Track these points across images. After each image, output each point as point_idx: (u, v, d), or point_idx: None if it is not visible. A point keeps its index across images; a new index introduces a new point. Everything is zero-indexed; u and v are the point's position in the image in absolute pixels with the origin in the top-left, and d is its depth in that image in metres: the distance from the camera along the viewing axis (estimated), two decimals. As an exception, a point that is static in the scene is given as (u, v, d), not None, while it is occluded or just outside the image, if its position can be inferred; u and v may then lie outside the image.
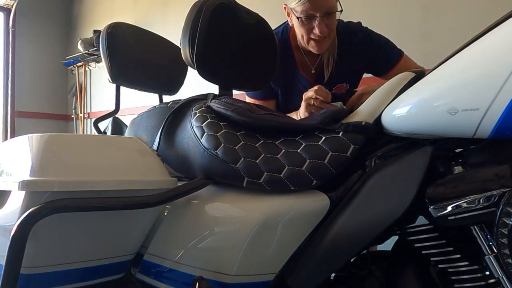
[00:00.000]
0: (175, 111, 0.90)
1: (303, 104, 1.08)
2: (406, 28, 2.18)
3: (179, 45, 0.94)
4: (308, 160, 0.70)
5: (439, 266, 0.66)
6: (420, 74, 0.72)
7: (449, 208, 0.60)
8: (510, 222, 0.55)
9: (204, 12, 0.89)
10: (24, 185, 0.63)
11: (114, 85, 1.36)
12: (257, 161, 0.72)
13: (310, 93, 1.04)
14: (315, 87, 1.05)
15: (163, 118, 0.91)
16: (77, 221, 0.69)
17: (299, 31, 1.27)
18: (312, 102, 1.04)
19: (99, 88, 4.07)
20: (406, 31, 2.18)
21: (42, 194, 0.64)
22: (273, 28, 1.25)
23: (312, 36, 1.25)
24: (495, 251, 0.58)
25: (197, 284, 0.68)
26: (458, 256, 0.64)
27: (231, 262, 0.71)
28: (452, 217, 0.60)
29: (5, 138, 3.97)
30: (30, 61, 4.24)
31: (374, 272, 0.77)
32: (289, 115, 1.25)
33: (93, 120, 1.40)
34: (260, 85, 1.08)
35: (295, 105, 1.24)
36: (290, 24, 1.33)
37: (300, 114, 1.11)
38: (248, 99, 1.40)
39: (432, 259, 0.67)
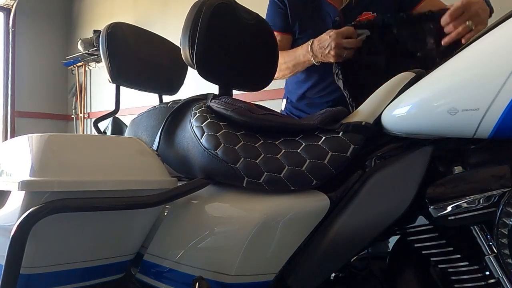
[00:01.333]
0: (175, 111, 0.90)
1: (333, 48, 1.10)
2: (406, 28, 2.17)
3: (179, 45, 0.94)
4: (308, 160, 0.70)
5: (439, 266, 0.66)
6: (420, 74, 0.72)
7: (449, 208, 0.60)
8: (510, 222, 0.55)
9: (204, 12, 0.89)
10: (24, 185, 0.63)
11: (114, 85, 1.36)
12: (257, 161, 0.72)
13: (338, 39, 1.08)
14: (339, 31, 1.08)
15: (163, 118, 0.91)
16: (77, 221, 0.69)
17: None
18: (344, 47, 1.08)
19: (99, 88, 4.07)
20: (406, 31, 2.17)
21: (42, 194, 0.64)
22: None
23: None
24: (495, 251, 0.58)
25: (197, 284, 0.68)
26: (458, 256, 0.64)
27: (231, 262, 0.71)
28: (452, 217, 0.60)
29: (5, 138, 3.98)
30: (30, 61, 4.24)
31: (374, 272, 0.78)
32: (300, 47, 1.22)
33: (93, 120, 1.40)
34: (261, 85, 1.08)
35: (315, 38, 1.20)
36: None
37: (324, 55, 1.14)
38: None
39: (432, 259, 0.67)
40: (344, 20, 1.26)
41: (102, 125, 1.40)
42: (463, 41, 0.92)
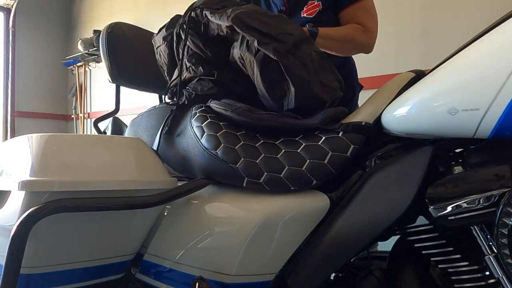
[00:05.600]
0: (175, 111, 0.90)
1: None
2: (406, 28, 2.18)
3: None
4: (308, 160, 0.70)
5: (439, 266, 0.66)
6: (420, 74, 0.73)
7: (449, 208, 0.60)
8: (510, 222, 0.55)
9: None
10: (24, 185, 0.63)
11: (114, 85, 1.36)
12: (257, 161, 0.72)
13: None
14: None
15: (163, 118, 0.91)
16: (77, 221, 0.69)
17: None
18: None
19: (99, 88, 4.07)
20: (406, 31, 2.18)
21: (42, 194, 0.64)
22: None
23: None
24: (495, 251, 0.58)
25: (197, 284, 0.68)
26: (458, 256, 0.64)
27: (231, 262, 0.71)
28: (452, 217, 0.60)
29: (5, 138, 3.97)
30: (30, 61, 4.24)
31: (374, 272, 0.77)
32: None
33: (93, 120, 1.40)
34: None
35: None
36: None
37: None
38: None
39: (432, 259, 0.67)
40: (289, 10, 1.21)
41: (102, 125, 1.40)
42: None
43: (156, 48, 1.02)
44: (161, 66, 1.04)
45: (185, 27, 0.88)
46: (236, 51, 0.84)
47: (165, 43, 0.97)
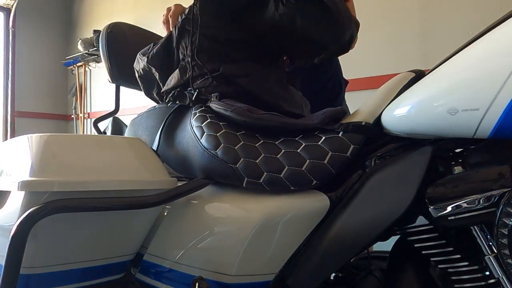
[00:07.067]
0: (175, 111, 0.90)
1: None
2: (406, 28, 2.18)
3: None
4: (308, 160, 0.70)
5: (439, 266, 0.66)
6: (420, 74, 0.72)
7: (449, 208, 0.60)
8: (510, 223, 0.55)
9: None
10: (23, 185, 0.63)
11: (114, 85, 1.36)
12: (257, 161, 0.72)
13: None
14: None
15: (163, 118, 0.91)
16: (77, 221, 0.69)
17: None
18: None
19: (99, 88, 4.07)
20: (406, 31, 2.18)
21: (42, 194, 0.64)
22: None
23: None
24: (495, 251, 0.58)
25: (197, 284, 0.68)
26: (458, 256, 0.64)
27: (231, 262, 0.71)
28: (452, 217, 0.60)
29: (5, 138, 3.97)
30: (30, 61, 4.24)
31: (374, 272, 0.78)
32: None
33: (93, 120, 1.41)
34: None
35: None
36: None
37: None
38: None
39: (432, 259, 0.67)
40: None
41: (102, 125, 1.40)
42: None
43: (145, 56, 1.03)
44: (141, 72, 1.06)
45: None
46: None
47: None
